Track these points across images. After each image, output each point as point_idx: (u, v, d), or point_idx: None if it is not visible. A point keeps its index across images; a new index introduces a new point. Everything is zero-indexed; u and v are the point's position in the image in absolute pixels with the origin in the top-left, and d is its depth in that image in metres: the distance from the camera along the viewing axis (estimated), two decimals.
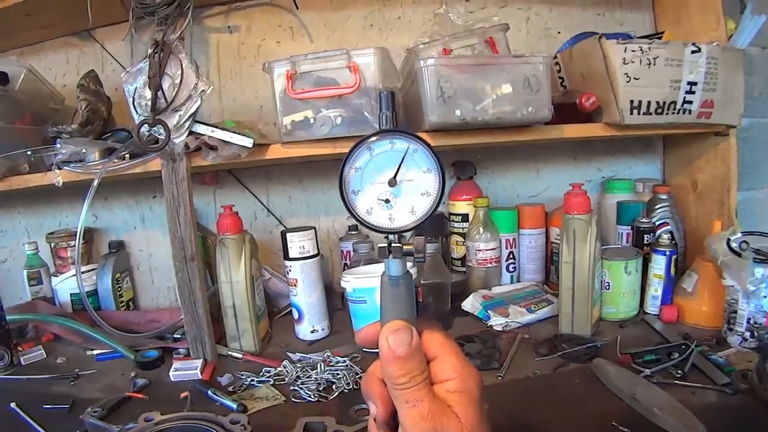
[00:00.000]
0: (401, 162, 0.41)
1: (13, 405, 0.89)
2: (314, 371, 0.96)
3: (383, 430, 0.41)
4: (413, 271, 1.08)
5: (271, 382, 0.95)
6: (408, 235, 0.45)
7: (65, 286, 1.28)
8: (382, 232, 0.42)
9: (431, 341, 0.41)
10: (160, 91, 0.94)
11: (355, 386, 0.92)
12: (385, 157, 0.41)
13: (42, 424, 0.83)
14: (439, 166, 0.41)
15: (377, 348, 0.40)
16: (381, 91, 0.43)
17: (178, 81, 0.95)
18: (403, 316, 0.40)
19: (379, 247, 0.42)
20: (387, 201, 0.42)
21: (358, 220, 0.42)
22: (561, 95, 1.18)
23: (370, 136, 0.41)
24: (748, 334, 0.95)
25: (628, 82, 1.05)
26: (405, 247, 0.41)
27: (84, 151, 1.07)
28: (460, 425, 0.37)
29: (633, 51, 1.05)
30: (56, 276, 1.30)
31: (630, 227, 1.27)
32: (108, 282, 1.29)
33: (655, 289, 1.14)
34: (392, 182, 0.41)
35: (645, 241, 1.21)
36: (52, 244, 1.31)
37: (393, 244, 0.41)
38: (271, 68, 0.98)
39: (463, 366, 0.40)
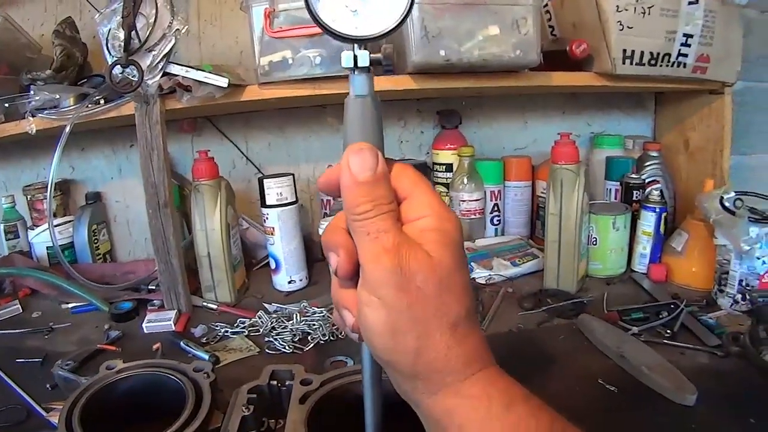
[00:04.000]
0: None
1: None
2: (290, 322, 0.94)
3: (347, 286, 0.35)
4: None
5: (246, 333, 0.93)
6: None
7: (42, 239, 1.24)
8: (349, 41, 0.35)
9: (402, 177, 0.34)
10: (134, 31, 0.90)
11: (331, 338, 0.90)
12: None
13: (14, 378, 0.81)
14: None
15: (340, 195, 0.34)
16: None
17: (152, 20, 0.91)
18: (370, 141, 0.34)
19: (344, 58, 0.34)
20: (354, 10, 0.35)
21: (321, 26, 0.34)
22: (550, 43, 1.14)
23: None
24: (739, 296, 0.93)
25: (621, 30, 1.01)
26: (372, 55, 0.34)
27: (58, 97, 1.03)
28: (431, 262, 0.31)
29: None
30: (32, 229, 1.26)
31: (619, 183, 1.24)
32: (84, 234, 1.25)
33: (644, 246, 1.12)
34: None
35: (634, 198, 1.18)
36: (29, 197, 1.27)
37: (357, 54, 0.34)
38: (249, 6, 0.94)
39: (440, 205, 0.34)
